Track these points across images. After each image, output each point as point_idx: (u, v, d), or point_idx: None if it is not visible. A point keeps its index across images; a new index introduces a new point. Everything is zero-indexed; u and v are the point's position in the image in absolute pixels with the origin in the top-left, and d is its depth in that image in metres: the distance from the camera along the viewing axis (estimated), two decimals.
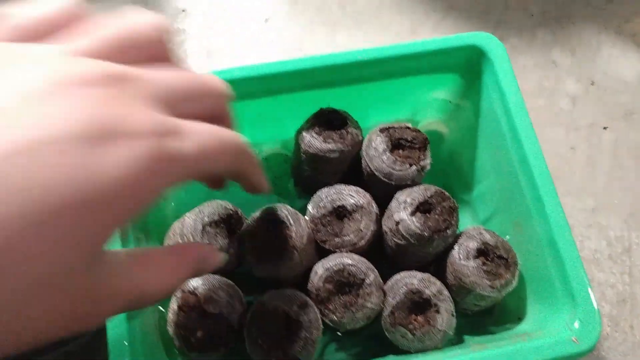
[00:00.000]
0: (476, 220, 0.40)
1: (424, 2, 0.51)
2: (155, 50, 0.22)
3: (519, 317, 0.35)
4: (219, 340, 0.32)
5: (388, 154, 0.36)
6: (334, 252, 0.35)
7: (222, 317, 0.32)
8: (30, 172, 0.16)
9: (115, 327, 0.29)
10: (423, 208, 0.34)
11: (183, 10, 0.50)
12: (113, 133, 0.18)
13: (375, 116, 0.42)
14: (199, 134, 0.21)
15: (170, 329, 0.32)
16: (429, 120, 0.43)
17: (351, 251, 0.34)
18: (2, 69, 0.18)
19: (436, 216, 0.34)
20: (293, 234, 0.33)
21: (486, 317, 0.36)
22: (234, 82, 0.36)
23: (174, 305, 0.32)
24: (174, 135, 0.20)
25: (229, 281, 0.34)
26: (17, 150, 0.16)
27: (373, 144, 0.36)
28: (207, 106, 0.24)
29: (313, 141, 0.36)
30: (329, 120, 0.37)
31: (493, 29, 0.50)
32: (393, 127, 0.37)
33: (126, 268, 0.21)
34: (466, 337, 0.35)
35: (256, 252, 0.33)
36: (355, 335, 0.36)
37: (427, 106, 0.42)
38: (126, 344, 0.29)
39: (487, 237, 0.34)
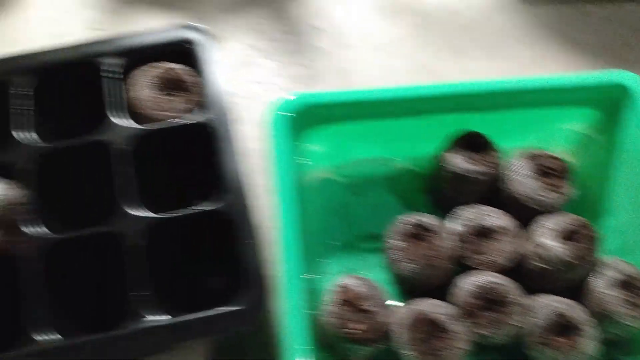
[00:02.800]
0: (604, 252, 0.41)
1: (548, 36, 0.53)
2: None
3: None
4: (370, 336, 0.34)
5: (533, 180, 0.37)
6: (475, 269, 0.36)
7: (374, 315, 0.34)
8: None
9: (294, 315, 0.32)
10: (566, 235, 0.36)
11: (317, 28, 0.53)
12: None
13: (504, 142, 0.43)
14: None
15: (327, 319, 0.34)
16: (557, 150, 0.45)
17: (493, 271, 0.36)
18: None
19: (579, 244, 0.35)
20: (443, 244, 0.36)
21: (617, 347, 0.37)
22: (381, 102, 0.40)
23: (332, 297, 0.35)
24: None
25: (380, 285, 0.36)
26: None
27: (518, 168, 0.38)
28: None
29: (459, 162, 0.38)
30: (472, 143, 0.39)
31: (614, 67, 0.52)
32: (538, 154, 0.38)
33: None
34: None
35: (402, 251, 0.36)
36: (493, 350, 0.37)
37: (557, 136, 0.44)
38: (302, 330, 0.31)
39: (628, 268, 0.35)
